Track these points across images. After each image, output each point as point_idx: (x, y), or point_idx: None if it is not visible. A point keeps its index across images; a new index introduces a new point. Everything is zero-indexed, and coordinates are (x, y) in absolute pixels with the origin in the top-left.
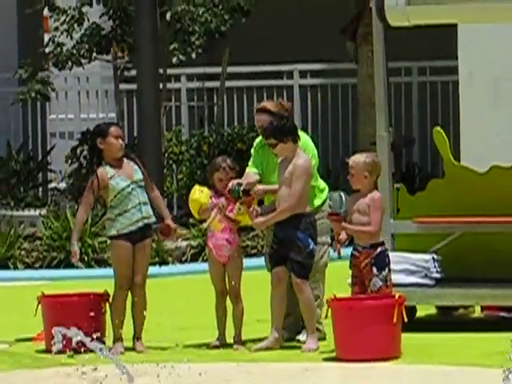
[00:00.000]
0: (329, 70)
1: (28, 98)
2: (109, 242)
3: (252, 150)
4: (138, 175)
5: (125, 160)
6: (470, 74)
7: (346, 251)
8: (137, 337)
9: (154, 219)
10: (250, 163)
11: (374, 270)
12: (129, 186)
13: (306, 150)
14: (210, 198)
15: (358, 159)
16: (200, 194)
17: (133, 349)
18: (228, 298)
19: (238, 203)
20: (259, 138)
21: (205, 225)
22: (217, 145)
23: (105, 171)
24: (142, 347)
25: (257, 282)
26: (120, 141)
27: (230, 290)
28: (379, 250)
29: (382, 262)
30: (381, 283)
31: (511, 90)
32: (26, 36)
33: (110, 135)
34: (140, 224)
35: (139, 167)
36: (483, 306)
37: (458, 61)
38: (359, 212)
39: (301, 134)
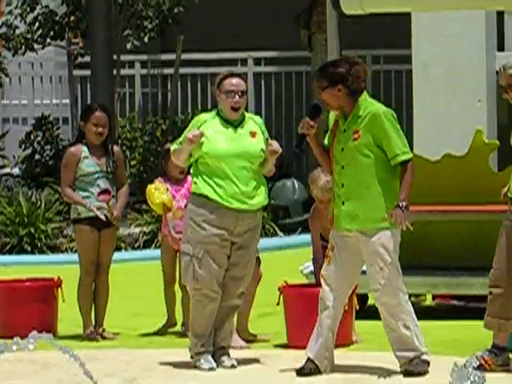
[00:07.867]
0: (283, 57)
1: None
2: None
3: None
4: (110, 167)
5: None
6: (424, 65)
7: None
8: (100, 325)
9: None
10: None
11: None
12: (96, 173)
13: None
14: (167, 190)
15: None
16: (160, 195)
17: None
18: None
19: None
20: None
21: (170, 215)
22: (170, 132)
23: (81, 148)
24: (111, 334)
25: None
26: (100, 129)
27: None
28: None
29: None
30: None
31: (465, 81)
32: None
33: (90, 121)
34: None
35: (114, 160)
36: (434, 295)
37: (412, 50)
38: None
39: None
